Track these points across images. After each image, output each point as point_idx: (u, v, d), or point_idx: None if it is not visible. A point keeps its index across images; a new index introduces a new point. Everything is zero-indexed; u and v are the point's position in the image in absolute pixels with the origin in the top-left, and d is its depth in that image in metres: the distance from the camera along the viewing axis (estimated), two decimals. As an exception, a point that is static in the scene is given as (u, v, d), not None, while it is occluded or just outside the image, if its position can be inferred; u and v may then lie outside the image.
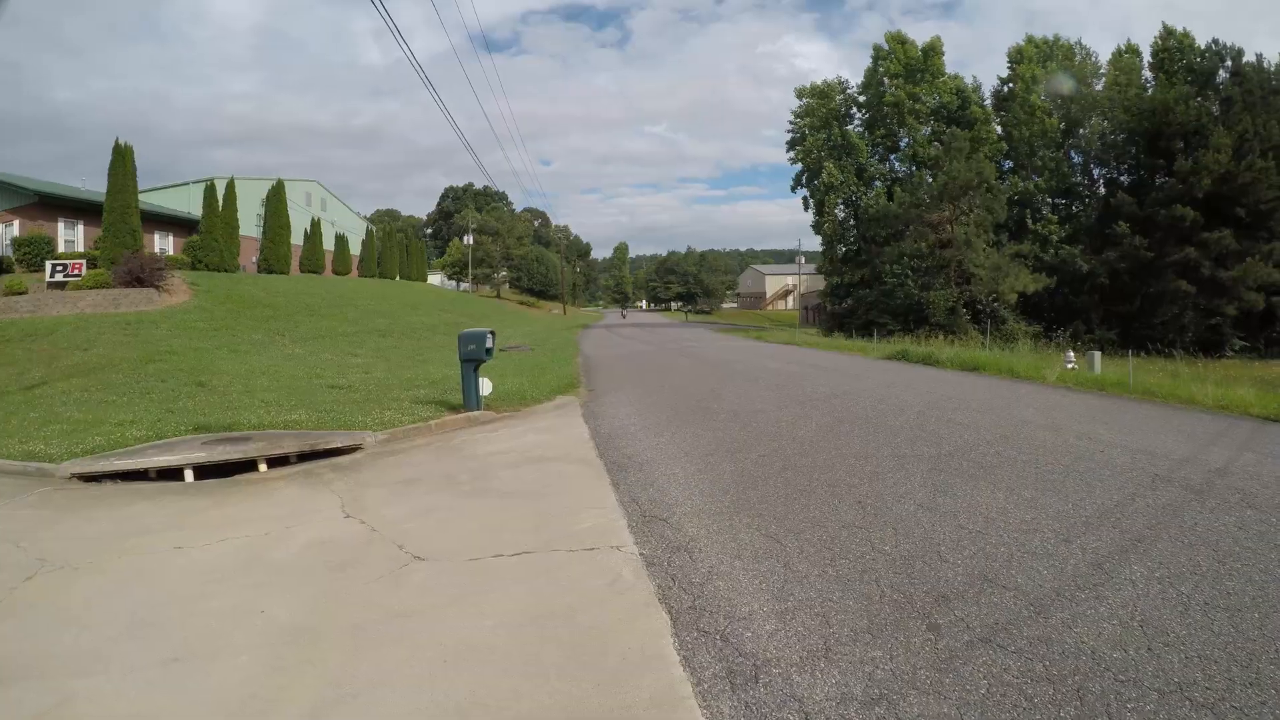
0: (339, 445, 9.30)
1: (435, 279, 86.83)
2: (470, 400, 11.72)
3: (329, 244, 51.14)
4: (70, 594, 4.96)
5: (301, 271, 45.07)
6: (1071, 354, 19.47)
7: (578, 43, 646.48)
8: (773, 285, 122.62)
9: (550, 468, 8.43)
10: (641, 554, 5.41)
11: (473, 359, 11.54)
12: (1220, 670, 3.67)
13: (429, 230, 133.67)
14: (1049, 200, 52.82)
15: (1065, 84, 51.04)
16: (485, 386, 11.96)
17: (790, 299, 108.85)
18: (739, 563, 5.22)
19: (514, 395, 13.40)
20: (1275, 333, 43.42)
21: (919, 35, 61.00)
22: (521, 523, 6.29)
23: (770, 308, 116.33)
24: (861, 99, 58.24)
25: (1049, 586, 4.73)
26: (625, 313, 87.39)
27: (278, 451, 8.78)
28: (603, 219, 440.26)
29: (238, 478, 8.26)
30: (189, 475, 8.18)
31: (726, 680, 3.61)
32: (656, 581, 4.87)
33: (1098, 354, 19.20)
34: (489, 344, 11.59)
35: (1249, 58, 47.76)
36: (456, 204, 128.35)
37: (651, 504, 6.80)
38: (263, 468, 8.55)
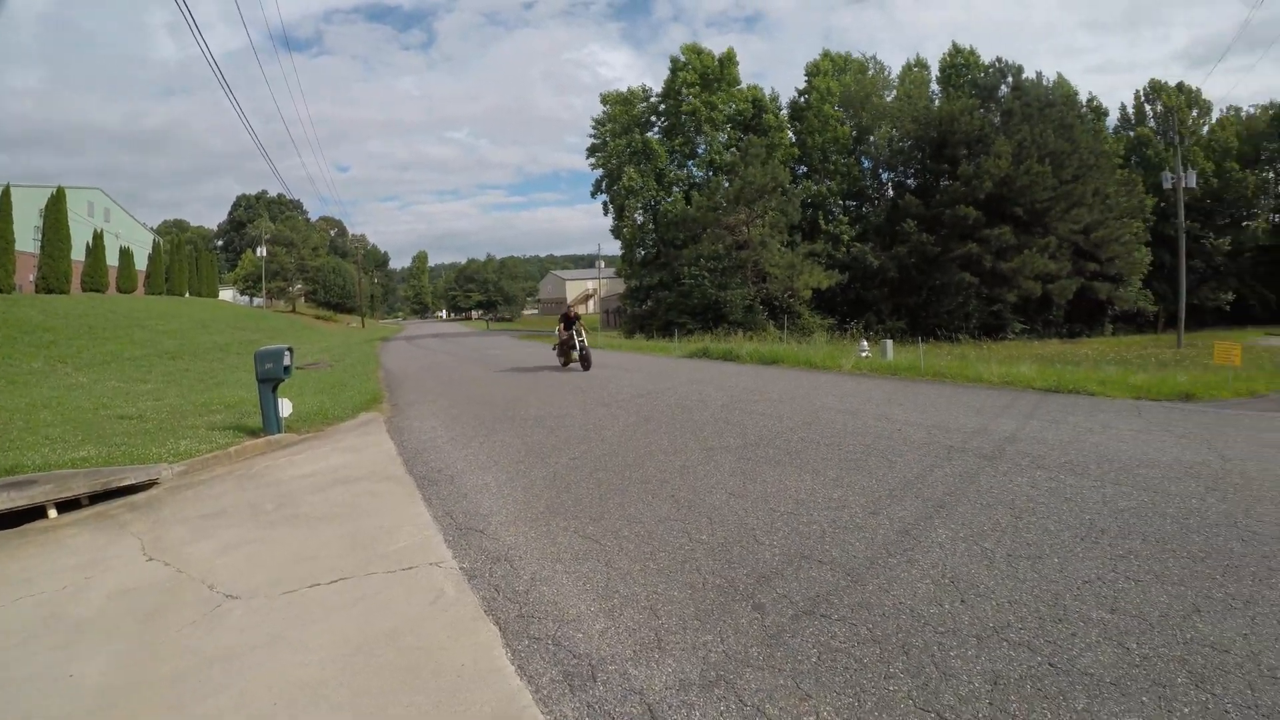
0: (133, 482, 8.60)
1: (227, 294, 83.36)
2: (270, 423, 11.23)
3: (113, 259, 48.56)
4: None
5: (83, 290, 42.18)
6: (865, 343, 20.83)
7: (381, 44, 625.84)
8: (574, 290, 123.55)
9: (359, 487, 8.17)
10: (461, 568, 5.36)
11: (270, 378, 11.07)
12: (1030, 611, 4.05)
13: (220, 242, 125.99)
14: (841, 202, 57.95)
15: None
16: (285, 407, 11.54)
17: (591, 303, 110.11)
18: (560, 566, 5.25)
19: (316, 415, 12.96)
20: (1051, 316, 50.67)
21: (722, 47, 63.97)
22: (335, 548, 6.06)
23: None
24: (662, 107, 60.46)
25: (862, 556, 5.02)
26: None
27: (68, 494, 7.94)
28: (401, 227, 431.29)
29: (25, 527, 7.43)
30: (-31, 530, 7.25)
31: (565, 684, 3.65)
32: (480, 594, 4.84)
33: (889, 342, 20.60)
34: (287, 362, 11.14)
35: (1029, 74, 56.83)
36: (249, 213, 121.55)
37: (466, 516, 6.71)
38: (53, 513, 7.72)
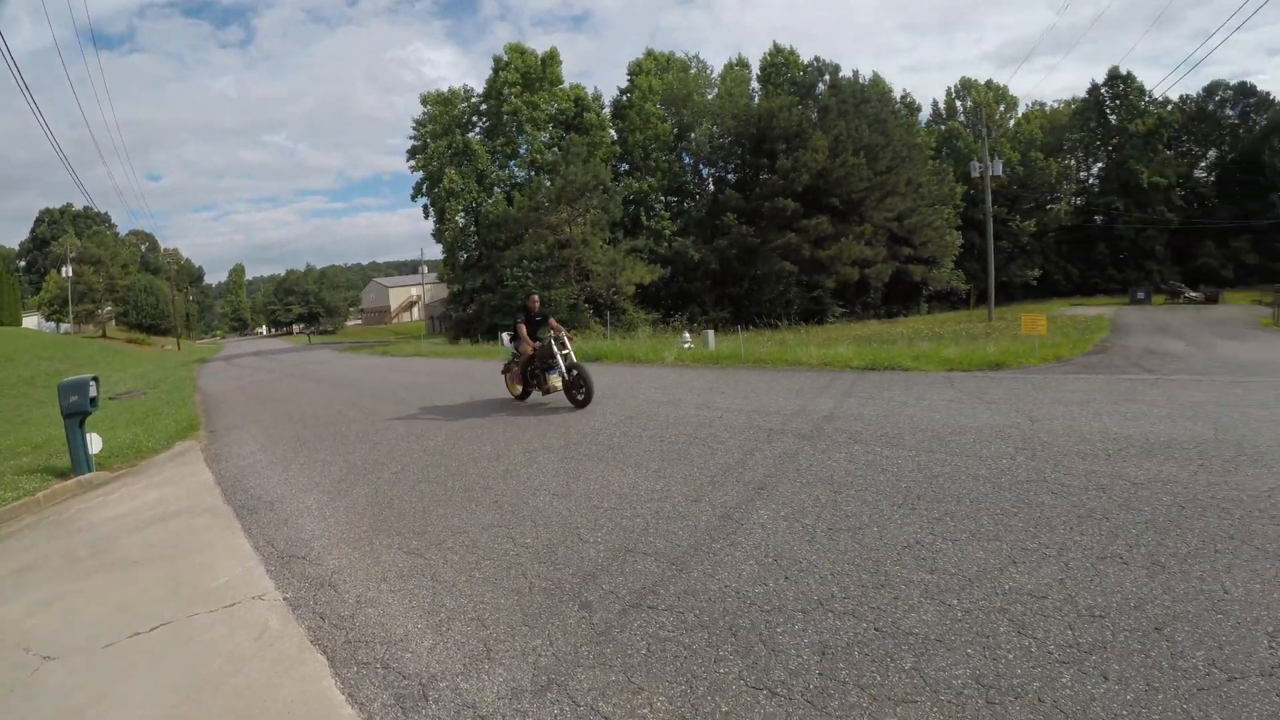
0: (-67, 542, 7.73)
1: (32, 321, 76.48)
2: (80, 461, 10.41)
3: (-100, 286, 42.94)
4: None
5: None
6: (687, 334, 21.22)
7: (198, 41, 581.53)
8: (397, 297, 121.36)
9: (177, 523, 7.73)
10: (285, 598, 5.21)
11: (77, 412, 10.25)
12: (853, 581, 4.18)
13: (22, 263, 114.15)
14: (662, 198, 59.65)
15: None
16: (95, 443, 10.73)
17: (416, 310, 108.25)
18: (385, 585, 5.16)
19: (129, 449, 12.07)
20: (869, 298, 55.05)
21: (549, 46, 64.04)
22: (155, 591, 5.79)
23: (396, 320, 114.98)
24: (483, 107, 60.03)
25: (686, 544, 5.07)
26: None
27: None
28: (217, 239, 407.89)
29: None
30: None
31: (397, 707, 3.62)
32: (306, 624, 4.73)
33: (711, 332, 21.15)
34: (93, 392, 10.37)
35: (846, 73, 61.72)
36: (54, 229, 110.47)
37: (288, 543, 6.47)
38: None
